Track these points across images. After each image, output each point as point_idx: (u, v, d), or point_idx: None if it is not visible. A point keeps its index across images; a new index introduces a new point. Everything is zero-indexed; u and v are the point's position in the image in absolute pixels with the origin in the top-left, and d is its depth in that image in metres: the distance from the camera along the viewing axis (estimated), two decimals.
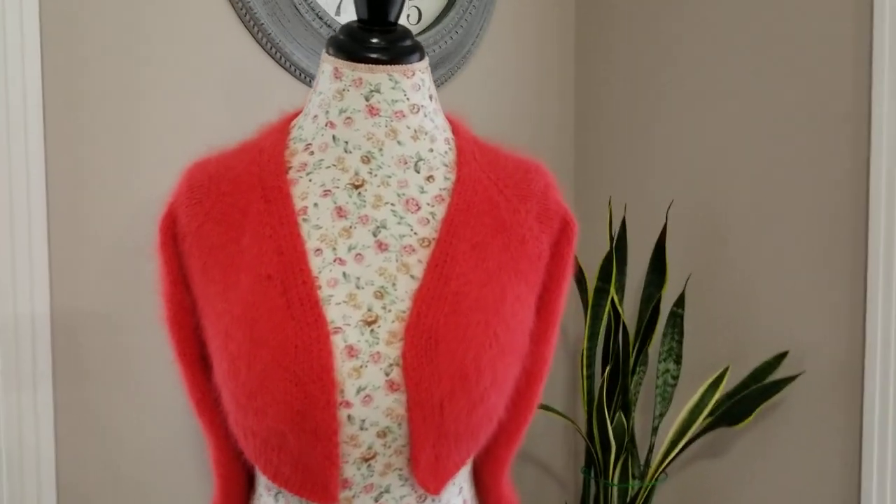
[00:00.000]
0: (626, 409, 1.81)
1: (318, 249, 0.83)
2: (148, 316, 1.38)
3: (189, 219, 0.87)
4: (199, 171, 0.89)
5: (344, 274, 0.83)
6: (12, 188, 1.32)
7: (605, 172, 2.10)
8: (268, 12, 1.57)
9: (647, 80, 2.02)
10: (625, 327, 1.81)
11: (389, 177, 0.87)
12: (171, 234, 0.88)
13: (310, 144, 0.88)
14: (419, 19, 1.86)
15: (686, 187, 1.93)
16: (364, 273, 0.83)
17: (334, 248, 0.83)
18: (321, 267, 0.82)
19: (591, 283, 1.87)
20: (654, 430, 1.83)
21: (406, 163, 0.88)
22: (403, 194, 0.87)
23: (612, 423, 1.80)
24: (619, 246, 1.88)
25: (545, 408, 1.89)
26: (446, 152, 0.91)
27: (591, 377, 1.87)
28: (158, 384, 1.51)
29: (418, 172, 0.88)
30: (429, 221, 0.86)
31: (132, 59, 1.47)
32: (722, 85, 1.86)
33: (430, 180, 0.88)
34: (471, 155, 0.91)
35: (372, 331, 0.80)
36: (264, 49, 1.61)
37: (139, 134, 1.49)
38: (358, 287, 0.82)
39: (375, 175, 0.87)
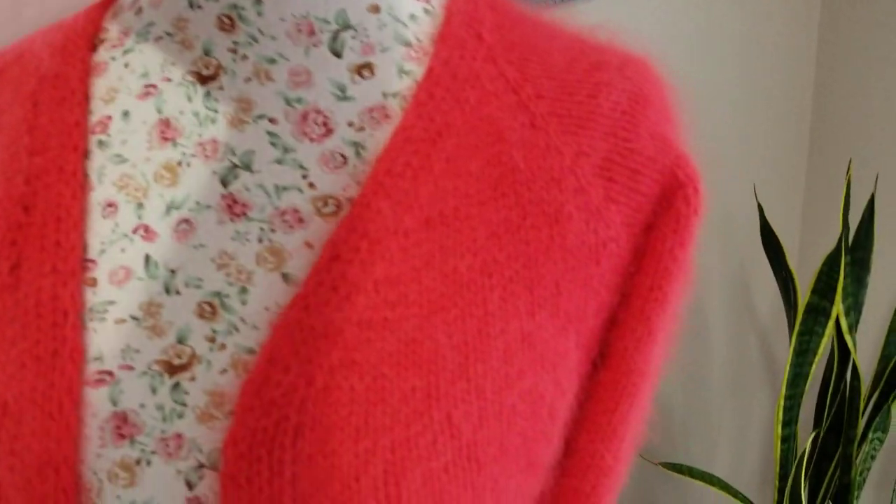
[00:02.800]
0: (844, 493, 1.59)
1: (110, 204, 0.56)
2: None
3: None
4: None
5: (147, 259, 0.55)
6: None
7: (847, 120, 1.85)
8: None
9: None
10: (854, 369, 1.55)
11: (273, 61, 0.57)
12: None
13: None
14: None
15: None
16: (189, 260, 0.55)
17: (140, 205, 0.56)
18: (108, 241, 0.55)
19: (803, 297, 1.59)
20: None
21: (312, 33, 0.57)
22: (299, 100, 0.56)
23: None
24: (861, 240, 1.59)
25: (709, 480, 1.62)
26: (413, 16, 0.60)
27: (788, 440, 1.61)
28: None
29: (339, 56, 0.57)
30: (346, 161, 0.56)
31: None
32: None
33: (365, 74, 0.58)
34: (472, 27, 0.59)
35: (176, 386, 0.51)
36: None
37: None
38: (168, 290, 0.54)
39: (244, 56, 0.57)
